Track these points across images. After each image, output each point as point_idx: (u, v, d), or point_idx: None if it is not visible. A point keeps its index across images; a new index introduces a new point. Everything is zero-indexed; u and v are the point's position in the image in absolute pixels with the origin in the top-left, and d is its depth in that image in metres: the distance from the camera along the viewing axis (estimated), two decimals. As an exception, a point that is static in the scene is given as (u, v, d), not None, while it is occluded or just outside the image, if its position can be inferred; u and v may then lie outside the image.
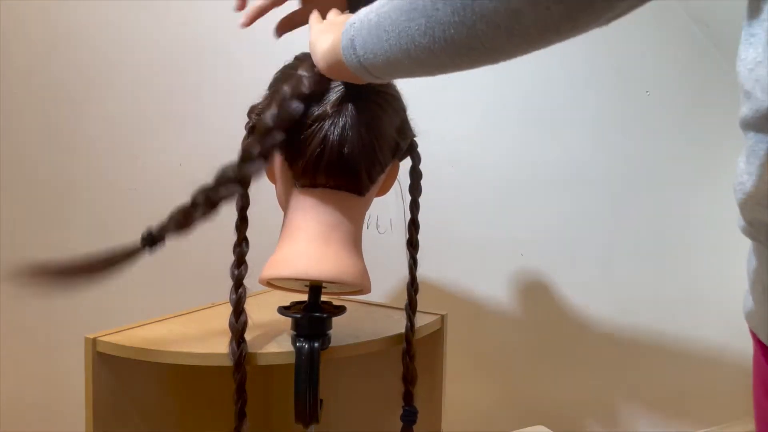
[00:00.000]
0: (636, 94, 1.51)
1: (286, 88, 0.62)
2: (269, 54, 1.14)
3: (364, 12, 0.52)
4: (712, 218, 1.56)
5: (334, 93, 0.63)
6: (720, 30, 1.53)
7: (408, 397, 0.73)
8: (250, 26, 1.13)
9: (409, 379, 0.73)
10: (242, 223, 0.65)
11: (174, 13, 1.07)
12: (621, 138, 1.50)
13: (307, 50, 0.70)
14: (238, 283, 0.63)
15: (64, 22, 1.01)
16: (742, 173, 0.55)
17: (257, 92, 1.12)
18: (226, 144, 1.12)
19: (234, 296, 0.62)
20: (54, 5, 1.00)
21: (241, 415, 0.62)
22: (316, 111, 0.62)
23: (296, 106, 0.61)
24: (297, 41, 1.15)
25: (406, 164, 0.75)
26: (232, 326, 0.62)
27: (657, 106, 1.53)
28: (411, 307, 0.74)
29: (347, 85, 0.63)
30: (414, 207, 0.74)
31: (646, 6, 0.41)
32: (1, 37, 0.97)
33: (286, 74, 0.69)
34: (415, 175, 0.74)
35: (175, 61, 1.08)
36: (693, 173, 1.58)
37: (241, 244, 0.64)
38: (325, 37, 0.58)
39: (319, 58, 0.58)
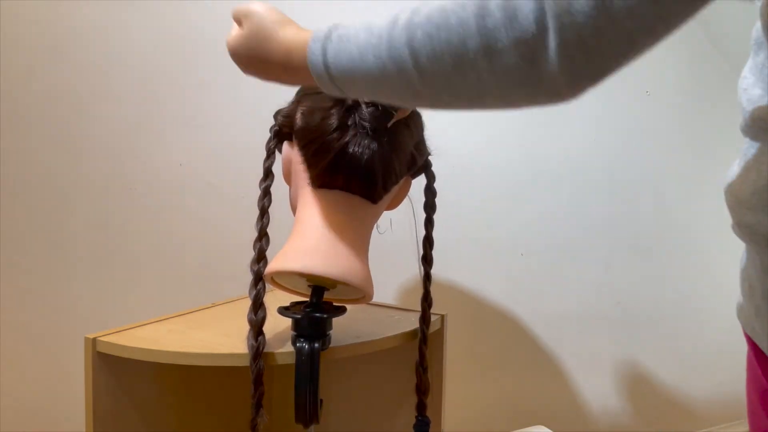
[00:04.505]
0: (636, 94, 1.51)
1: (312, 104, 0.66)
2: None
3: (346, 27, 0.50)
4: (712, 218, 1.56)
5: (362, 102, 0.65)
6: (720, 29, 1.53)
7: (421, 408, 0.74)
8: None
9: (422, 390, 0.74)
10: (263, 219, 0.66)
11: (174, 12, 1.07)
12: (621, 138, 1.50)
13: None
14: (258, 279, 0.63)
15: (64, 22, 1.01)
16: (733, 175, 0.57)
17: (258, 92, 1.12)
18: (227, 144, 1.12)
19: (254, 291, 0.63)
20: (53, 5, 1.00)
21: (257, 407, 0.62)
22: (342, 117, 0.64)
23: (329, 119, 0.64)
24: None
25: (419, 182, 0.75)
26: (251, 320, 0.63)
27: (657, 106, 1.53)
28: (425, 321, 0.75)
29: None
30: (428, 224, 0.75)
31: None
32: (0, 37, 0.97)
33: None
34: (430, 193, 0.75)
35: (176, 61, 1.08)
36: (693, 173, 1.58)
37: (261, 240, 0.65)
38: (285, 29, 0.54)
39: (273, 50, 0.54)
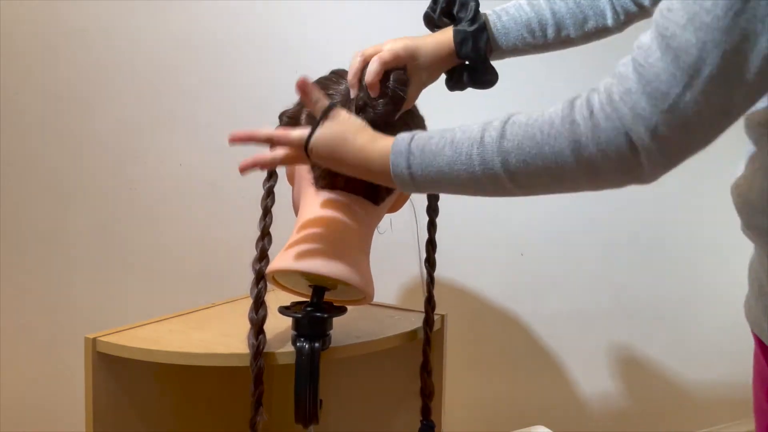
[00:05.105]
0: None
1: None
2: (270, 54, 1.15)
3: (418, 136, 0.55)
4: (713, 218, 1.56)
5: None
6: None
7: (425, 411, 0.74)
8: (251, 26, 1.13)
9: (426, 393, 0.74)
10: (266, 218, 0.66)
11: (174, 13, 1.07)
12: None
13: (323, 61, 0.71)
14: (259, 277, 0.64)
15: (65, 23, 1.01)
16: (740, 176, 0.58)
17: (257, 92, 1.12)
18: (227, 144, 1.12)
19: (255, 290, 0.63)
20: (54, 5, 1.00)
21: (257, 406, 0.62)
22: None
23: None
24: (298, 44, 1.15)
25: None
26: (252, 319, 0.63)
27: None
28: (428, 324, 0.75)
29: None
30: (431, 227, 0.75)
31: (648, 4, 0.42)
32: (1, 37, 0.97)
33: (320, 84, 0.70)
34: (432, 196, 0.75)
35: (176, 61, 1.08)
36: (694, 171, 1.58)
37: (264, 240, 0.65)
38: (361, 136, 0.58)
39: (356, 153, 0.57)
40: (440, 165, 0.53)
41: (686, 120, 0.43)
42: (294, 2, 1.15)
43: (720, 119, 0.44)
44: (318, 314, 0.63)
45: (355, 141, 0.57)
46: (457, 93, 0.73)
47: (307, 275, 0.63)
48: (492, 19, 0.68)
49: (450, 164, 0.52)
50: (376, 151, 0.56)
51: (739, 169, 0.59)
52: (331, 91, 0.67)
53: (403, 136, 0.56)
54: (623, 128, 0.45)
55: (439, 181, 0.54)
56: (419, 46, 0.66)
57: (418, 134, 0.55)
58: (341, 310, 0.67)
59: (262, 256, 0.64)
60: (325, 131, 0.57)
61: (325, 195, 0.66)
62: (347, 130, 0.58)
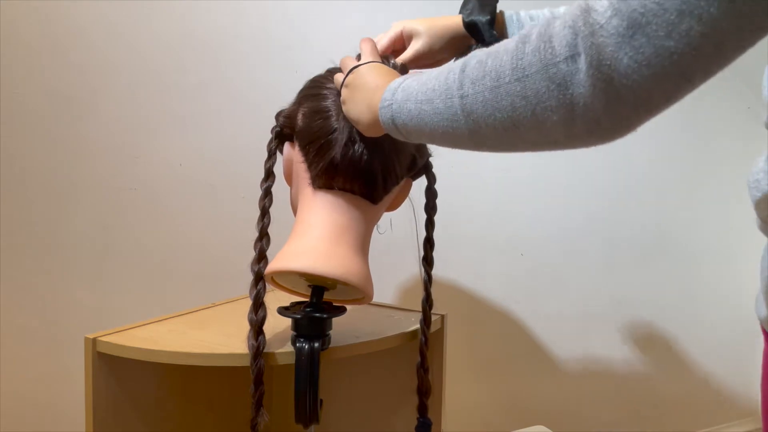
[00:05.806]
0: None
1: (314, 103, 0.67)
2: (269, 54, 1.15)
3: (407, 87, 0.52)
4: (713, 219, 1.56)
5: None
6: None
7: (422, 409, 0.74)
8: (251, 27, 1.13)
9: (423, 392, 0.74)
10: (264, 219, 0.66)
11: (174, 12, 1.07)
12: (622, 138, 1.49)
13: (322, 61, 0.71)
14: (258, 278, 0.64)
15: (64, 22, 1.01)
16: (759, 171, 0.56)
17: (257, 92, 1.12)
18: (226, 144, 1.12)
19: (254, 291, 0.63)
20: (54, 5, 1.00)
21: (258, 407, 0.62)
22: (343, 118, 0.64)
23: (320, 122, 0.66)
24: (297, 44, 1.15)
25: (420, 184, 0.76)
26: (251, 320, 0.63)
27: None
28: (426, 323, 0.75)
29: None
30: (429, 225, 0.75)
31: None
32: (0, 37, 0.97)
33: (316, 82, 0.70)
34: (431, 194, 0.75)
35: (175, 61, 1.08)
36: (693, 173, 1.58)
37: (262, 240, 0.65)
38: (376, 81, 0.58)
39: (360, 97, 0.59)
40: (416, 97, 0.50)
41: (645, 9, 0.32)
42: (294, 3, 1.15)
43: (687, 20, 0.31)
44: (317, 314, 0.63)
45: (378, 78, 0.58)
46: None
47: (305, 275, 0.63)
48: (507, 14, 0.71)
49: (420, 93, 0.50)
50: (380, 90, 0.56)
51: (758, 164, 0.58)
52: (324, 91, 0.67)
53: (403, 77, 0.55)
54: (570, 21, 0.36)
55: (410, 111, 0.51)
56: (433, 43, 0.72)
57: (418, 75, 0.53)
58: (340, 310, 0.67)
59: (261, 257, 0.64)
60: (369, 66, 0.61)
61: (323, 195, 0.66)
62: (385, 71, 0.60)
